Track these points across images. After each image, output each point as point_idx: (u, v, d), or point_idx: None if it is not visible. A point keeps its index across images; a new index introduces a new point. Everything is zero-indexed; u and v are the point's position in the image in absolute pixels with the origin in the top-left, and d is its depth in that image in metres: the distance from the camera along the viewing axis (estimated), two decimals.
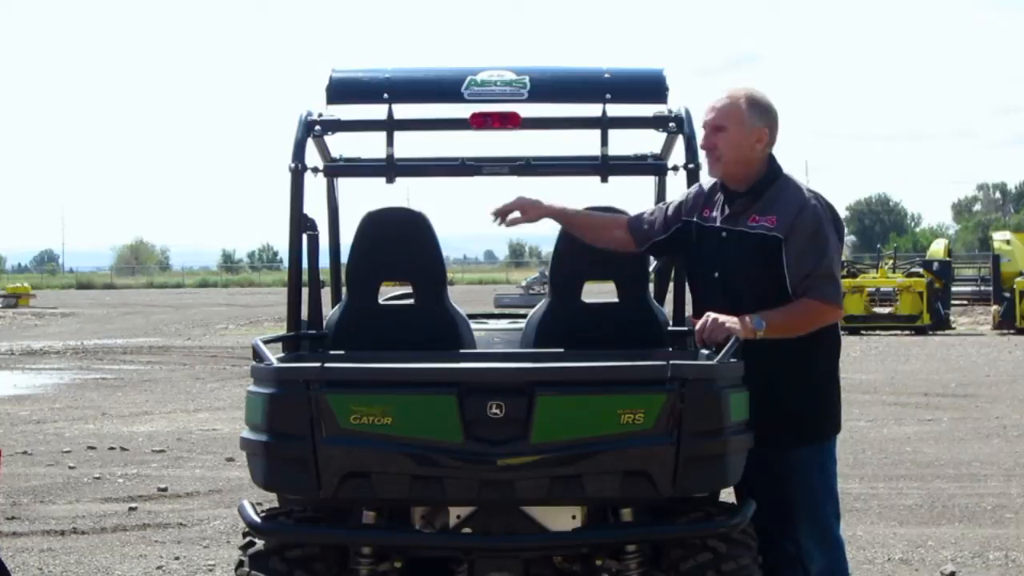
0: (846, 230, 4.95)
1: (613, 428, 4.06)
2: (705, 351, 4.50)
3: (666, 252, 5.00)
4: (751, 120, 4.61)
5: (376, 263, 5.21)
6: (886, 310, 29.05)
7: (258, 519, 4.37)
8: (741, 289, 4.57)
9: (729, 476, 4.27)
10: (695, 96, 5.17)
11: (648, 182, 5.87)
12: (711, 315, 4.45)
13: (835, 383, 4.73)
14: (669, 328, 5.22)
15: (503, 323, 6.10)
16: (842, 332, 4.98)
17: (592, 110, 5.07)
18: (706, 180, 4.85)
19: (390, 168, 5.19)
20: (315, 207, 5.31)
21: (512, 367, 4.40)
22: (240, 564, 4.45)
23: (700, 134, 4.76)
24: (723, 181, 4.71)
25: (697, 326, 4.50)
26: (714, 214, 4.72)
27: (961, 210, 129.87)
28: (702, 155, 4.78)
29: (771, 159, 4.70)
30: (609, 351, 4.85)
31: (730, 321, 4.40)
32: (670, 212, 4.85)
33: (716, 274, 4.66)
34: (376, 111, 5.07)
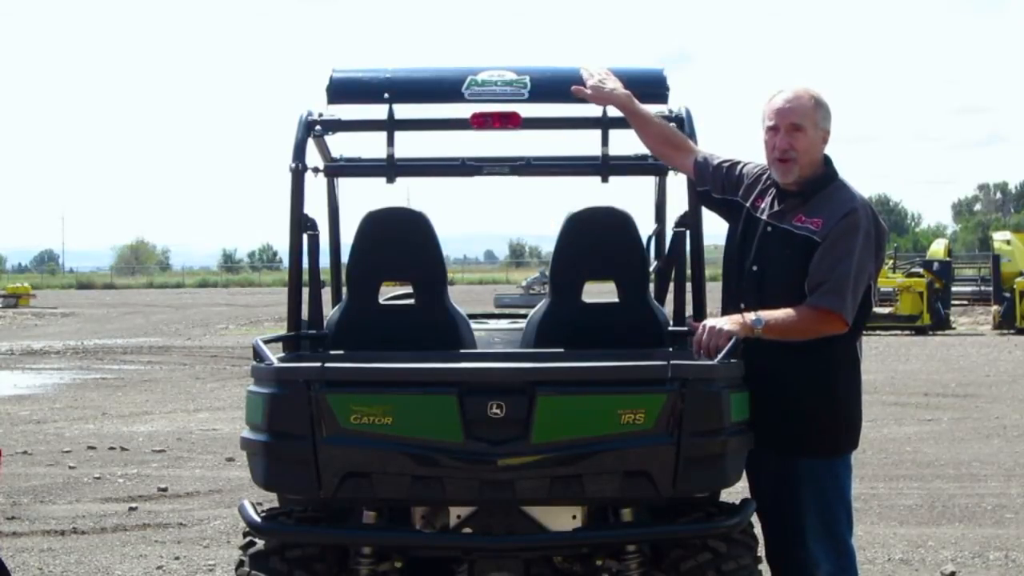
0: None
1: (613, 428, 4.06)
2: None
3: (711, 208, 4.85)
4: (822, 121, 4.50)
5: (376, 263, 5.21)
6: (886, 310, 29.02)
7: (258, 519, 4.37)
8: (777, 287, 4.49)
9: (729, 476, 4.27)
10: None
11: (648, 182, 5.88)
12: (708, 323, 4.40)
13: (857, 399, 4.61)
14: (669, 328, 5.22)
15: (503, 323, 6.10)
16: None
17: (592, 110, 5.07)
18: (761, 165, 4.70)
19: (390, 168, 5.19)
20: (315, 207, 5.32)
21: (512, 367, 4.40)
22: (240, 564, 4.45)
23: (766, 137, 4.54)
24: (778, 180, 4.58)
25: (696, 335, 4.43)
26: (763, 205, 4.62)
27: (961, 210, 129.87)
28: (765, 158, 4.59)
29: (827, 161, 4.58)
30: (609, 351, 4.85)
31: (728, 324, 4.37)
32: (731, 180, 4.71)
33: (755, 268, 4.57)
34: (376, 111, 5.08)
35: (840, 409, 4.54)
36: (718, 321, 4.42)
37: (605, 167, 5.24)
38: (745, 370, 4.31)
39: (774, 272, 4.53)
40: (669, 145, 4.89)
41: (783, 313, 4.40)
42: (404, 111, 5.09)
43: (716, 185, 4.76)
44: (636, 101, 4.84)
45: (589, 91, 4.83)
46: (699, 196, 4.87)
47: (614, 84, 4.83)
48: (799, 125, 4.48)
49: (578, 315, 5.21)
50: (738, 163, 4.76)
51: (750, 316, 4.39)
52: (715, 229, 5.29)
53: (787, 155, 4.51)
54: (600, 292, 5.45)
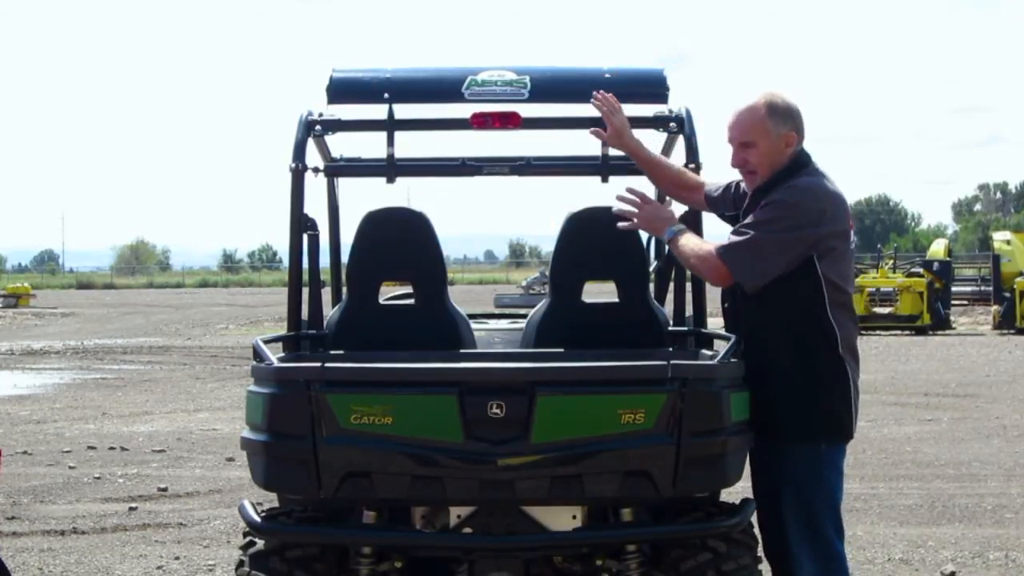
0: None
1: (613, 428, 4.06)
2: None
3: (731, 224, 4.84)
4: (776, 127, 4.49)
5: (376, 263, 5.21)
6: (886, 310, 29.06)
7: (258, 519, 4.37)
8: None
9: (729, 476, 4.27)
10: None
11: (648, 182, 5.87)
12: (648, 213, 4.64)
13: (835, 383, 4.46)
14: (669, 328, 5.22)
15: (503, 323, 6.10)
16: None
17: (592, 110, 5.07)
18: None
19: (390, 168, 5.20)
20: (315, 207, 5.32)
21: (512, 367, 4.40)
22: (240, 564, 4.45)
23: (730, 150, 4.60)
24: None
25: (639, 204, 4.63)
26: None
27: (961, 210, 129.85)
28: (735, 172, 4.65)
29: (797, 155, 4.54)
30: (609, 351, 4.85)
31: (653, 222, 4.64)
32: (739, 197, 4.76)
33: None
34: (376, 111, 5.08)
35: (815, 392, 4.42)
36: (654, 213, 4.66)
37: (605, 167, 5.24)
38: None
39: None
40: (681, 186, 4.94)
41: (693, 242, 4.55)
42: (404, 111, 5.09)
43: (728, 205, 4.82)
44: (648, 149, 4.90)
45: (606, 135, 4.86)
46: (719, 217, 4.91)
47: (623, 117, 4.84)
48: (747, 142, 4.53)
49: (578, 315, 5.22)
50: (741, 181, 4.78)
51: (673, 228, 4.59)
52: (715, 229, 5.29)
53: (745, 167, 4.58)
54: (600, 292, 5.45)
